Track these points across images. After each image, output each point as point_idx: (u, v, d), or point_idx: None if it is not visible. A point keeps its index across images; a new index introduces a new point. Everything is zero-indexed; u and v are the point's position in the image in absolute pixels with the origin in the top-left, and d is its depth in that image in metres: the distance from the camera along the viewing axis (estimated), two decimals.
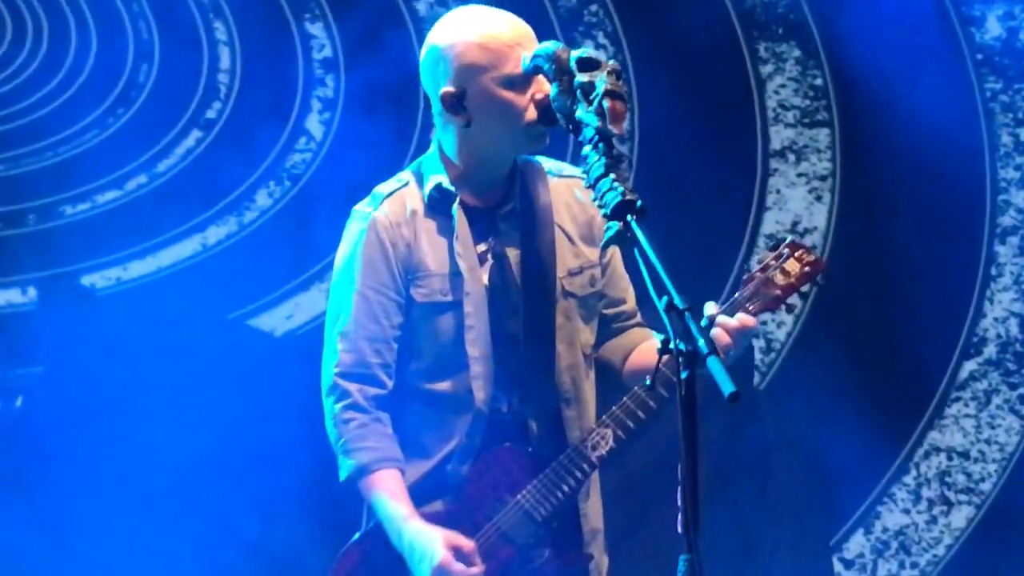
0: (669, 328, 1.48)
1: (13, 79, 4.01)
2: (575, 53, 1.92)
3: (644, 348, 2.30)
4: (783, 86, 4.33)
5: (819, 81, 4.34)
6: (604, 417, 2.24)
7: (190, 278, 4.12)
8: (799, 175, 4.33)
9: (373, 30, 4.13)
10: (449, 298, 2.26)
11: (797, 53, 4.34)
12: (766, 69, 4.33)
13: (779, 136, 4.34)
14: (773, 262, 2.21)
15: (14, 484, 3.71)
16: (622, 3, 4.27)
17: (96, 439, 3.77)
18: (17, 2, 4.02)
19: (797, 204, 4.33)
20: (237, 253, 4.14)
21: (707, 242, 4.20)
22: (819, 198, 4.33)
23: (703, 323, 2.04)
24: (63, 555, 3.69)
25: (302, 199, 4.17)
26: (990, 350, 4.34)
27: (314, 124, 4.19)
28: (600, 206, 1.71)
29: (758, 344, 4.25)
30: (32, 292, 4.04)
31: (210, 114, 4.14)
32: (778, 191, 4.32)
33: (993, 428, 4.32)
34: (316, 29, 4.20)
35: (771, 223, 4.32)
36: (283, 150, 4.17)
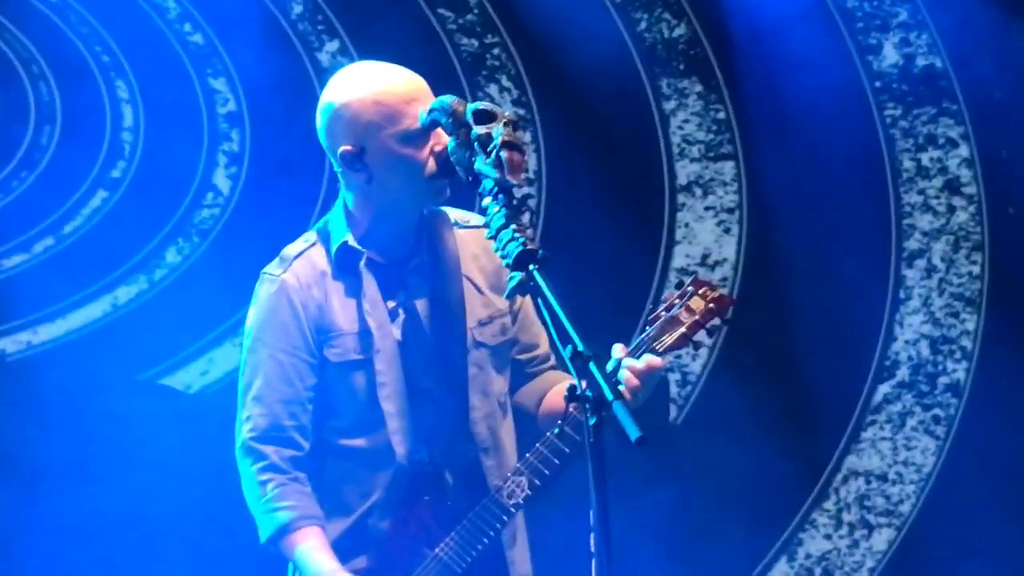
0: (575, 375, 1.55)
1: None
2: (471, 105, 1.97)
3: (557, 391, 2.32)
4: (686, 121, 4.41)
5: (722, 115, 4.42)
6: (519, 464, 2.28)
7: (101, 339, 4.12)
8: (707, 208, 4.41)
9: (277, 83, 4.17)
10: (361, 356, 2.29)
11: (699, 88, 4.41)
12: (669, 105, 4.40)
13: (685, 171, 4.41)
14: (677, 300, 2.25)
15: None
16: (524, 46, 4.32)
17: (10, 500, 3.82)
18: None
19: (706, 237, 4.40)
20: (148, 312, 4.14)
21: (619, 280, 4.26)
22: (727, 230, 4.40)
23: (612, 365, 2.11)
24: None
25: (212, 254, 4.18)
26: (903, 372, 4.43)
27: (221, 179, 4.20)
28: (503, 256, 1.77)
29: (674, 377, 4.31)
30: None
31: (115, 173, 4.14)
32: (687, 225, 4.39)
33: (909, 450, 4.41)
34: (219, 84, 4.22)
35: (681, 257, 4.39)
36: (191, 206, 4.18)
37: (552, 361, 2.39)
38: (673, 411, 4.29)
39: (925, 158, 4.50)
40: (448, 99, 2.04)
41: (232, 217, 4.20)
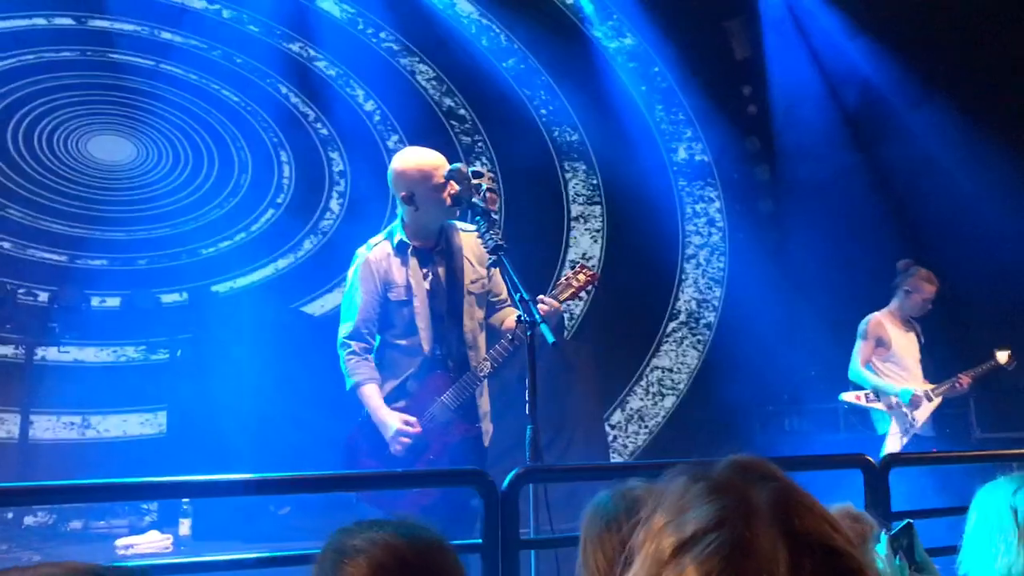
0: (521, 309, 2.82)
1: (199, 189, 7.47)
2: (470, 168, 3.25)
3: (510, 317, 3.42)
4: (577, 183, 8.31)
5: (595, 181, 8.33)
6: (486, 354, 3.43)
7: (270, 287, 7.67)
8: (586, 229, 8.31)
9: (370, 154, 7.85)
10: (406, 298, 3.42)
11: (584, 167, 8.32)
12: (568, 175, 8.30)
13: (576, 209, 8.30)
14: (570, 274, 3.49)
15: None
16: (495, 141, 8.12)
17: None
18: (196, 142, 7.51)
19: (585, 244, 8.30)
20: (296, 273, 7.72)
21: (539, 264, 8.04)
22: (596, 241, 8.31)
23: (536, 307, 3.04)
24: None
25: (330, 244, 7.80)
26: (682, 316, 8.39)
27: (335, 204, 7.87)
28: (485, 246, 3.07)
29: (567, 316, 8.14)
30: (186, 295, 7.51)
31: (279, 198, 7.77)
32: (575, 238, 8.28)
33: (685, 355, 8.36)
34: (334, 155, 7.90)
35: (572, 254, 8.27)
36: (318, 218, 7.82)
37: (508, 303, 3.50)
38: (566, 333, 8.13)
39: (698, 207, 8.50)
40: (458, 165, 3.27)
41: (340, 225, 7.84)
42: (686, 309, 8.36)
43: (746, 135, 8.45)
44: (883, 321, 5.61)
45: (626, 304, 8.07)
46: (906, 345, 5.58)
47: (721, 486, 0.90)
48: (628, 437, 8.08)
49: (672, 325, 8.32)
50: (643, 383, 8.20)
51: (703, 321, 8.38)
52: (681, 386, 8.27)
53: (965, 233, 6.70)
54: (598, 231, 8.26)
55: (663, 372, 8.25)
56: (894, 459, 2.95)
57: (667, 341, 8.31)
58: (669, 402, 8.23)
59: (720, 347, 8.32)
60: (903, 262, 5.68)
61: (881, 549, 1.88)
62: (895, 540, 1.87)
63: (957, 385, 5.50)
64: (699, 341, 8.36)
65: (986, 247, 6.66)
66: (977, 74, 7.03)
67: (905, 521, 1.90)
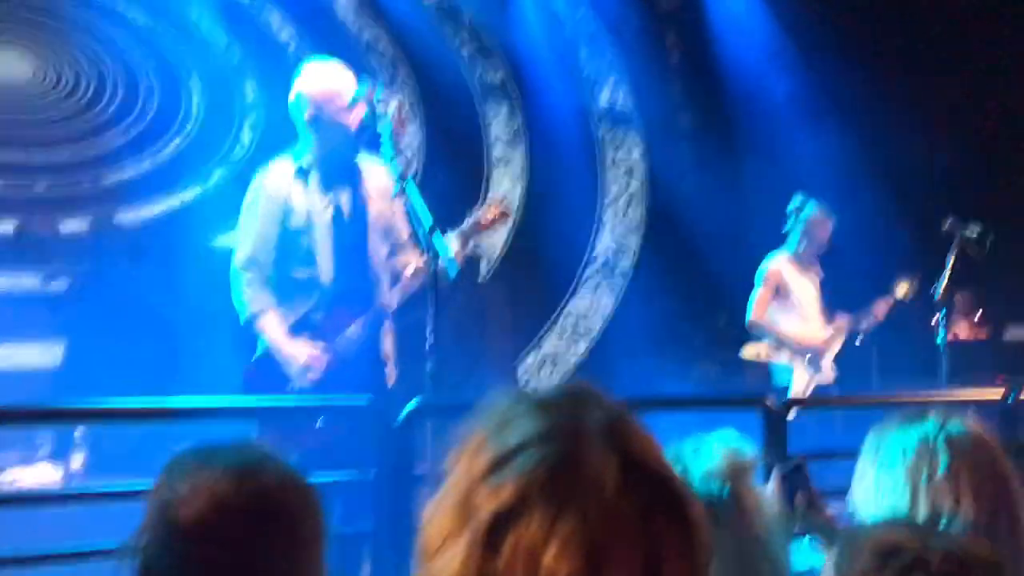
0: (423, 242, 2.83)
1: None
2: (377, 89, 3.15)
3: (415, 258, 3.39)
4: (498, 125, 8.19)
5: (517, 124, 8.22)
6: (390, 290, 3.39)
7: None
8: (506, 171, 8.22)
9: None
10: (305, 225, 3.30)
11: (505, 108, 8.19)
12: (490, 116, 8.17)
13: (497, 151, 8.19)
14: (479, 210, 3.51)
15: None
16: (416, 77, 7.92)
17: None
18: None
19: (506, 186, 8.21)
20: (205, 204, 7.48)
21: (458, 205, 7.95)
22: (516, 183, 8.23)
23: (444, 240, 3.07)
24: None
25: (240, 176, 7.55)
26: (598, 263, 8.41)
27: (245, 134, 7.60)
28: (391, 173, 3.02)
29: (484, 259, 8.08)
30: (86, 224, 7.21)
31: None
32: (496, 179, 8.18)
33: (599, 301, 8.40)
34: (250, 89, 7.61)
35: (493, 195, 8.16)
36: (228, 150, 7.55)
37: (409, 248, 3.45)
38: (481, 276, 8.07)
39: (618, 155, 8.49)
40: (365, 87, 3.13)
41: (252, 156, 7.57)
42: (603, 255, 8.40)
43: (669, 82, 8.41)
44: (781, 267, 5.51)
45: (543, 248, 8.03)
46: (805, 288, 5.52)
47: (550, 405, 0.84)
48: (540, 380, 8.13)
49: (588, 271, 8.36)
50: (557, 327, 8.25)
51: (619, 269, 8.44)
52: (594, 331, 8.34)
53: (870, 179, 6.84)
54: (519, 174, 8.20)
55: (577, 317, 8.32)
56: (793, 402, 2.98)
57: (583, 286, 8.35)
58: (582, 346, 8.30)
59: (635, 294, 8.38)
60: (797, 198, 5.57)
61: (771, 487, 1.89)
62: (787, 479, 1.87)
63: (874, 314, 5.47)
64: (614, 288, 8.42)
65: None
66: None
67: (797, 458, 1.91)
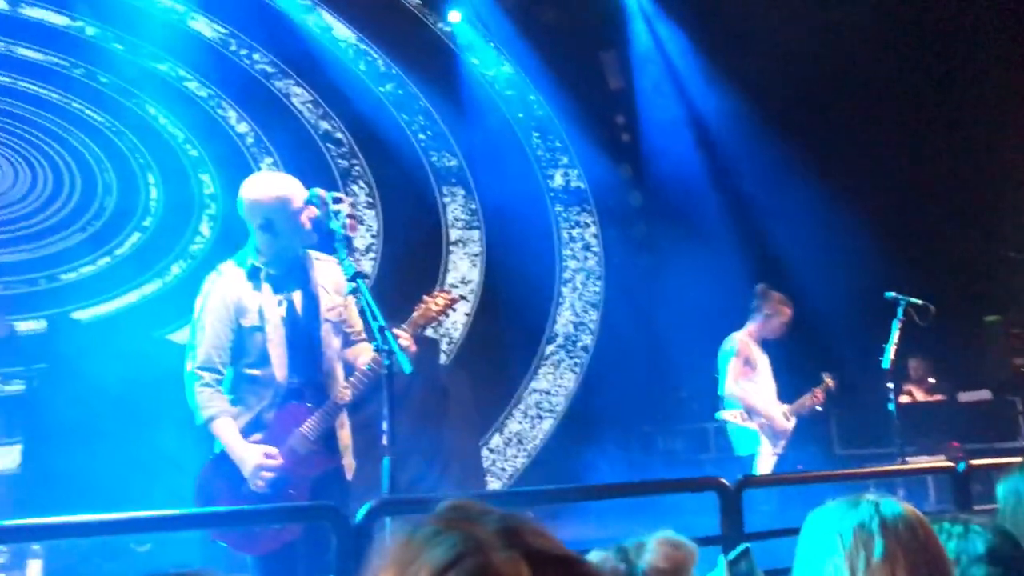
0: (379, 337, 2.73)
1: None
2: (329, 194, 3.15)
3: (366, 349, 3.40)
4: (455, 208, 8.33)
5: (473, 206, 8.37)
6: (345, 383, 3.34)
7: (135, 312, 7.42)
8: (464, 253, 8.33)
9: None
10: (259, 323, 3.30)
11: (462, 192, 8.35)
12: (447, 200, 8.31)
13: (455, 233, 8.32)
14: (428, 299, 3.42)
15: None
16: (373, 164, 8.07)
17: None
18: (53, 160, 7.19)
19: (464, 268, 8.32)
20: (161, 300, 7.49)
21: (417, 289, 8.02)
22: (474, 265, 8.34)
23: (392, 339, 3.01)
24: None
25: (199, 269, 7.59)
26: (559, 339, 8.50)
27: (205, 228, 7.66)
28: (344, 273, 2.93)
29: (446, 340, 8.15)
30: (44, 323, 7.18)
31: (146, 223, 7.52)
32: (454, 262, 8.29)
33: (562, 378, 8.46)
34: (206, 178, 7.70)
35: (451, 278, 8.28)
36: (186, 243, 7.60)
37: (363, 337, 3.43)
38: (443, 358, 8.13)
39: (574, 232, 8.65)
40: (316, 190, 3.19)
41: (211, 248, 7.63)
42: (563, 332, 8.48)
43: (620, 163, 8.63)
44: (747, 341, 5.76)
45: (504, 328, 8.17)
46: (765, 367, 5.77)
47: (445, 526, 0.87)
48: (507, 460, 8.12)
49: (550, 348, 8.43)
50: (522, 406, 8.28)
51: (580, 344, 8.52)
52: (559, 408, 8.38)
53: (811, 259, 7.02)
54: (476, 255, 8.32)
55: (541, 395, 8.35)
56: (748, 481, 3.04)
57: (545, 364, 8.41)
58: (547, 424, 8.32)
59: (597, 369, 8.48)
60: (760, 286, 5.86)
61: (720, 573, 1.93)
62: (733, 565, 1.92)
63: (813, 399, 5.70)
64: (576, 363, 8.49)
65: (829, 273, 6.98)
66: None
67: (743, 546, 1.96)
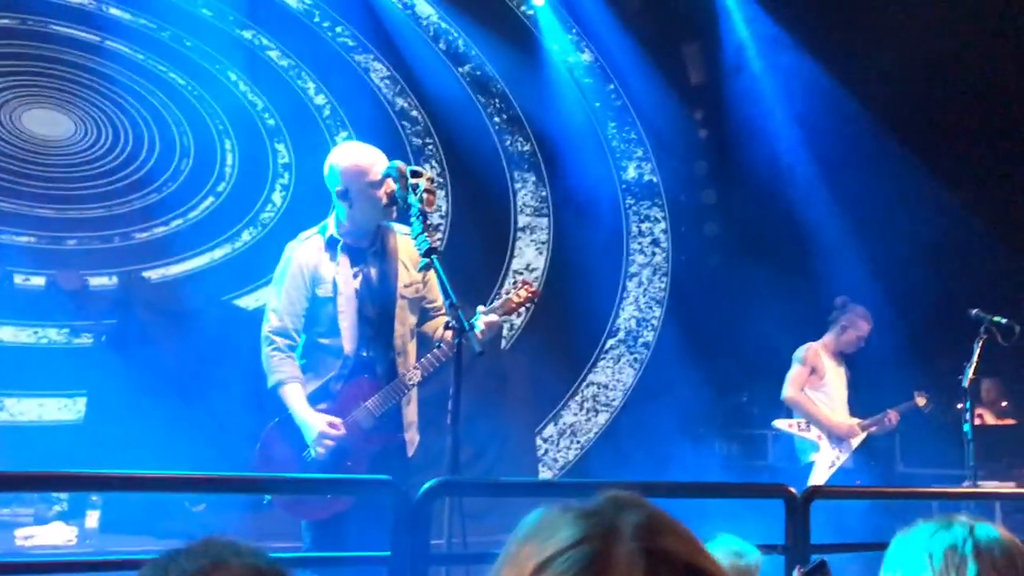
0: (450, 314, 2.80)
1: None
2: (408, 167, 3.14)
3: (442, 325, 3.46)
4: (525, 194, 8.27)
5: (544, 193, 8.30)
6: (416, 363, 3.35)
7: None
8: (531, 240, 8.26)
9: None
10: (331, 294, 3.32)
11: (533, 178, 8.28)
12: (517, 185, 8.25)
13: (523, 219, 8.26)
14: (512, 289, 3.52)
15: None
16: (446, 145, 8.04)
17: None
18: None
19: (530, 255, 8.25)
20: (232, 264, 7.55)
21: (483, 272, 7.99)
22: (540, 252, 8.26)
23: (476, 317, 3.18)
24: None
25: (269, 237, 7.64)
26: (621, 334, 8.39)
27: (277, 197, 7.71)
28: (417, 248, 2.95)
29: (507, 327, 8.08)
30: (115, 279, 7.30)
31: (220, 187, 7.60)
32: (520, 248, 8.23)
33: (621, 373, 8.35)
34: (280, 147, 7.75)
35: (516, 264, 8.21)
36: (258, 211, 7.66)
37: (443, 310, 3.37)
38: (504, 343, 8.07)
39: (644, 226, 8.52)
40: (396, 163, 3.18)
41: (281, 218, 7.68)
42: (625, 327, 8.37)
43: (695, 159, 8.48)
44: (819, 351, 5.69)
45: (566, 318, 8.05)
46: (836, 379, 5.68)
47: (589, 512, 0.88)
48: (560, 451, 8.06)
49: (610, 342, 8.33)
50: (578, 398, 8.20)
51: (641, 340, 8.40)
52: (615, 403, 8.29)
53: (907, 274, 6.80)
54: (543, 243, 8.24)
55: (598, 388, 8.26)
56: (816, 491, 2.93)
57: (604, 357, 8.31)
58: (602, 418, 8.24)
59: (656, 367, 8.33)
60: (840, 298, 5.80)
61: None
62: None
63: (886, 421, 5.62)
64: (636, 359, 8.38)
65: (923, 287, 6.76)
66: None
67: (819, 558, 1.87)
